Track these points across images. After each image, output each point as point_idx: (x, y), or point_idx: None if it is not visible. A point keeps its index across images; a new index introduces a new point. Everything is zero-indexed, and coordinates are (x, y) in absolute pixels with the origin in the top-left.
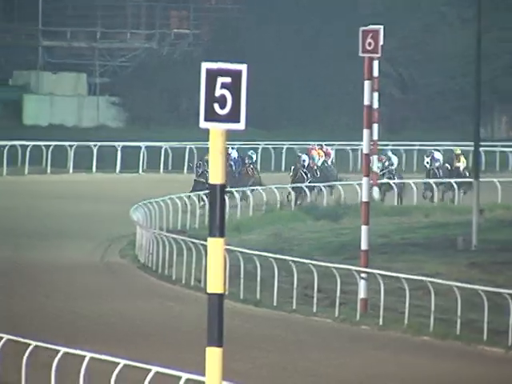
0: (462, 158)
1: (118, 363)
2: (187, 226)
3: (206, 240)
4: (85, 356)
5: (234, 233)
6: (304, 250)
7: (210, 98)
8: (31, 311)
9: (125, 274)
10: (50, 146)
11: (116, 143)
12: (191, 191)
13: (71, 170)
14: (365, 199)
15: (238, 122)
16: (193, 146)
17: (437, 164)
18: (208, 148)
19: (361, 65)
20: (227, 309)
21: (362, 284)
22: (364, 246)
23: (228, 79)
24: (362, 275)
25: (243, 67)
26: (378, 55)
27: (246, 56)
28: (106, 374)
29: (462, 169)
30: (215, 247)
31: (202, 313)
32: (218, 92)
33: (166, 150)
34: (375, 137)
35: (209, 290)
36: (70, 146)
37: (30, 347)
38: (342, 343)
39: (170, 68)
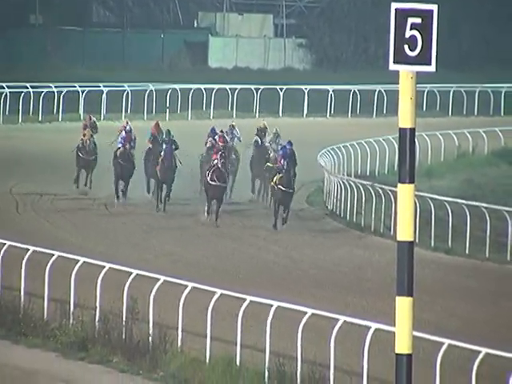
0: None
1: (305, 312)
2: (376, 172)
3: (395, 186)
4: (271, 305)
5: (424, 178)
6: (497, 196)
7: (400, 39)
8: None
9: (312, 220)
10: (235, 89)
11: (303, 86)
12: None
13: (257, 114)
14: None
15: (429, 64)
16: (382, 89)
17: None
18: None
19: None
20: (417, 257)
21: None
22: None
23: (418, 20)
24: None
25: (434, 7)
26: None
27: None
28: (292, 320)
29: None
30: (405, 193)
31: (391, 261)
32: (408, 33)
33: (354, 93)
34: None
35: (398, 238)
36: (256, 90)
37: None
38: None
39: (358, 8)
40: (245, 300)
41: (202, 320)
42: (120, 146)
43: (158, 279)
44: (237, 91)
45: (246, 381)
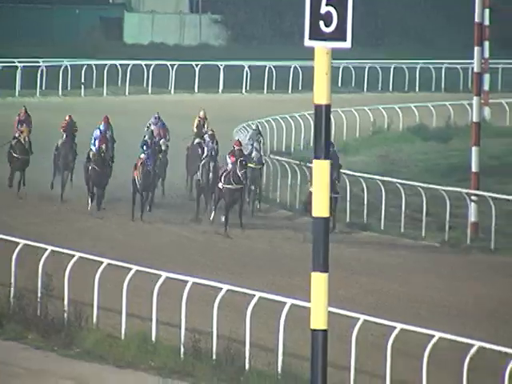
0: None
1: (221, 288)
2: (292, 148)
3: (311, 162)
4: (187, 281)
5: (339, 154)
6: (412, 172)
7: (315, 15)
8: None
9: None
10: (150, 65)
11: (218, 62)
12: None
13: (172, 91)
14: (475, 119)
15: (344, 40)
16: (298, 65)
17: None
18: None
19: None
20: (333, 233)
21: (472, 207)
22: (475, 167)
23: None
24: (473, 198)
25: None
26: None
27: None
28: (208, 297)
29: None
30: (320, 169)
31: (307, 237)
32: (324, 9)
33: (269, 70)
34: (486, 55)
35: (314, 214)
36: (172, 66)
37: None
38: (451, 268)
39: None
40: (160, 276)
41: (118, 296)
42: (93, 147)
43: (73, 255)
44: (152, 67)
45: (161, 357)
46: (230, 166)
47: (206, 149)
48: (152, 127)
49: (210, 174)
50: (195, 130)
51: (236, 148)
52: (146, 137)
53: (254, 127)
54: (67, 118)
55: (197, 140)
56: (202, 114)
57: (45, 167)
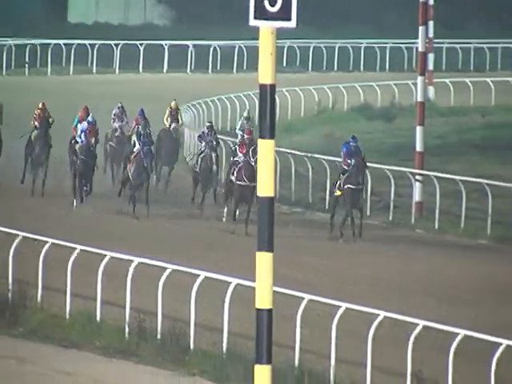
0: (179, 115)
1: (167, 268)
2: (237, 128)
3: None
4: (132, 261)
5: (284, 134)
6: None
7: None
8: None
9: (174, 177)
10: (95, 44)
11: (163, 42)
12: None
13: (117, 70)
14: (420, 99)
15: (289, 19)
16: (242, 45)
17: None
18: None
19: None
20: (278, 212)
21: (416, 186)
22: (419, 147)
23: None
24: (417, 177)
25: None
26: None
27: None
28: (153, 278)
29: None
30: (265, 149)
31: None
32: None
33: (214, 49)
34: (431, 34)
35: (259, 193)
36: (116, 45)
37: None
38: (396, 248)
39: None
40: (105, 256)
41: (63, 276)
42: (80, 140)
43: (17, 235)
44: (96, 47)
45: (106, 336)
46: (241, 158)
47: (203, 141)
48: (118, 116)
49: (214, 166)
50: (165, 121)
51: (246, 137)
52: (140, 127)
53: (245, 114)
54: (40, 106)
55: (173, 125)
56: (173, 104)
57: None
